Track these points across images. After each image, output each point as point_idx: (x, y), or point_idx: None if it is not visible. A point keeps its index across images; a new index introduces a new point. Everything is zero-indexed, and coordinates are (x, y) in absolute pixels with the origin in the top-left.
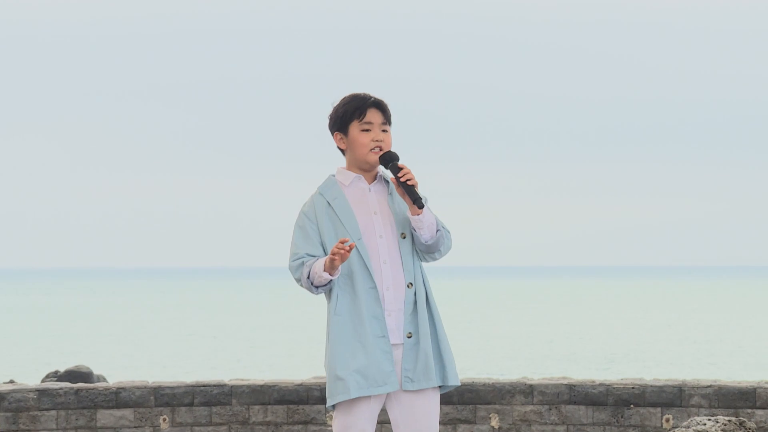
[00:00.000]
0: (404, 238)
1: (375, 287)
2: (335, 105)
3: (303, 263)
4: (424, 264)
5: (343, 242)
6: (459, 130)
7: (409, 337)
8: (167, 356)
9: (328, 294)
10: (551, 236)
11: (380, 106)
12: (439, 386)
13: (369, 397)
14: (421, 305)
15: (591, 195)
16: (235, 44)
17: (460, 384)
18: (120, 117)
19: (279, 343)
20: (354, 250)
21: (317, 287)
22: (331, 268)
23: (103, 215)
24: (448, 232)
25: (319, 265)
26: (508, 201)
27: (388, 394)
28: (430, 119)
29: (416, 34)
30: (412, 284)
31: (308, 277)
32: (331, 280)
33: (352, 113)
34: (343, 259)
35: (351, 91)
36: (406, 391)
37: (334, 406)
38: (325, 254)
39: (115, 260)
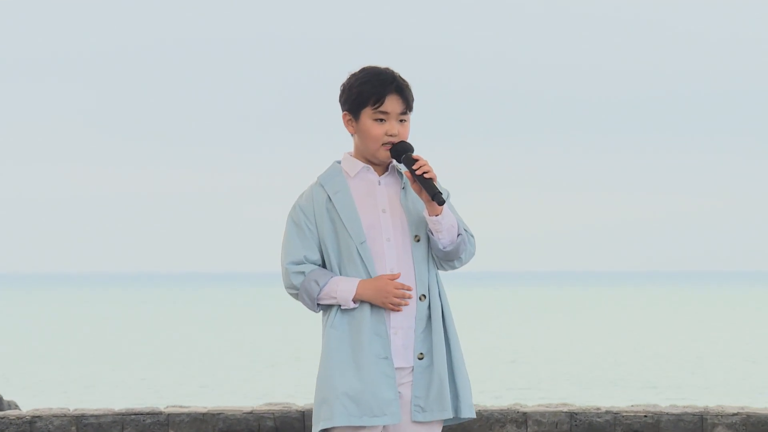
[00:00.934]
0: (418, 241)
1: None
2: (351, 77)
3: (305, 274)
4: (441, 272)
5: (402, 288)
6: (452, 118)
7: (420, 359)
8: (95, 379)
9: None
10: (552, 237)
11: (402, 92)
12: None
13: (366, 426)
14: (436, 321)
15: (590, 191)
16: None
17: (474, 416)
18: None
19: (230, 363)
20: (356, 255)
21: (319, 305)
22: (367, 299)
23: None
24: (472, 236)
25: (344, 291)
26: (503, 198)
27: (393, 426)
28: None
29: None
30: (425, 296)
31: (316, 296)
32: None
33: (367, 98)
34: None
35: (369, 63)
36: (415, 422)
37: None
38: (322, 259)
39: (77, 265)
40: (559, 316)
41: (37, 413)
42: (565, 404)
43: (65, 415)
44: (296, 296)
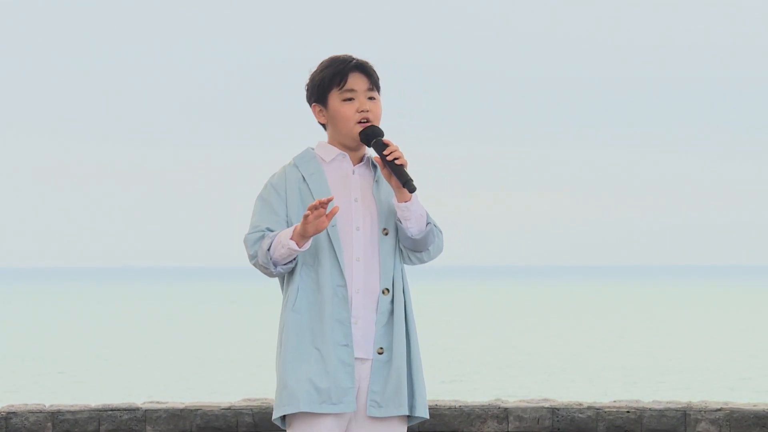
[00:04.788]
0: (386, 234)
1: (345, 286)
2: (312, 72)
3: (263, 236)
4: (407, 267)
5: (322, 200)
6: (454, 116)
7: (380, 353)
8: (69, 374)
9: (286, 287)
10: (545, 234)
11: (364, 69)
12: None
13: (328, 415)
14: (399, 317)
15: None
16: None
17: (428, 417)
18: None
19: (205, 359)
20: (325, 238)
21: (276, 264)
22: (301, 235)
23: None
24: (441, 231)
25: (286, 233)
26: (500, 195)
27: (350, 420)
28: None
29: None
30: (388, 290)
31: (268, 250)
32: (295, 257)
33: (330, 80)
34: (319, 226)
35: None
36: (370, 417)
37: (284, 420)
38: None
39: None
40: (551, 312)
41: (13, 409)
42: (546, 400)
43: (41, 411)
44: (256, 263)
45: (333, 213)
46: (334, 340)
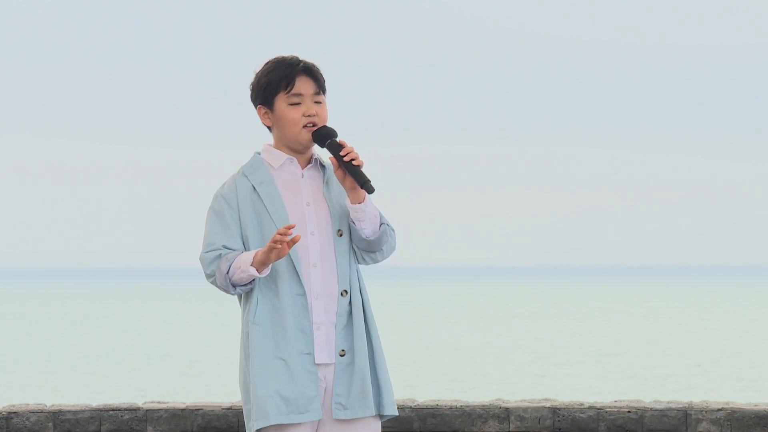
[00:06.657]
0: (341, 236)
1: (304, 294)
2: (257, 72)
3: (220, 255)
4: (362, 267)
5: (284, 232)
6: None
7: (342, 356)
8: (71, 374)
9: (246, 299)
10: (546, 234)
11: (312, 73)
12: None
13: (299, 424)
14: (357, 318)
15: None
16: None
17: (397, 414)
18: None
19: (206, 359)
20: None
21: (235, 286)
22: (262, 262)
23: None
24: (393, 230)
25: (245, 259)
26: (501, 195)
27: (319, 425)
28: (421, 105)
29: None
30: (346, 292)
31: (227, 272)
32: (254, 278)
33: (277, 83)
34: (281, 253)
35: (278, 55)
36: (338, 420)
37: None
38: (245, 249)
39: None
40: (554, 312)
41: (14, 409)
42: (547, 399)
43: (42, 411)
44: (214, 282)
45: (294, 241)
46: (298, 349)
